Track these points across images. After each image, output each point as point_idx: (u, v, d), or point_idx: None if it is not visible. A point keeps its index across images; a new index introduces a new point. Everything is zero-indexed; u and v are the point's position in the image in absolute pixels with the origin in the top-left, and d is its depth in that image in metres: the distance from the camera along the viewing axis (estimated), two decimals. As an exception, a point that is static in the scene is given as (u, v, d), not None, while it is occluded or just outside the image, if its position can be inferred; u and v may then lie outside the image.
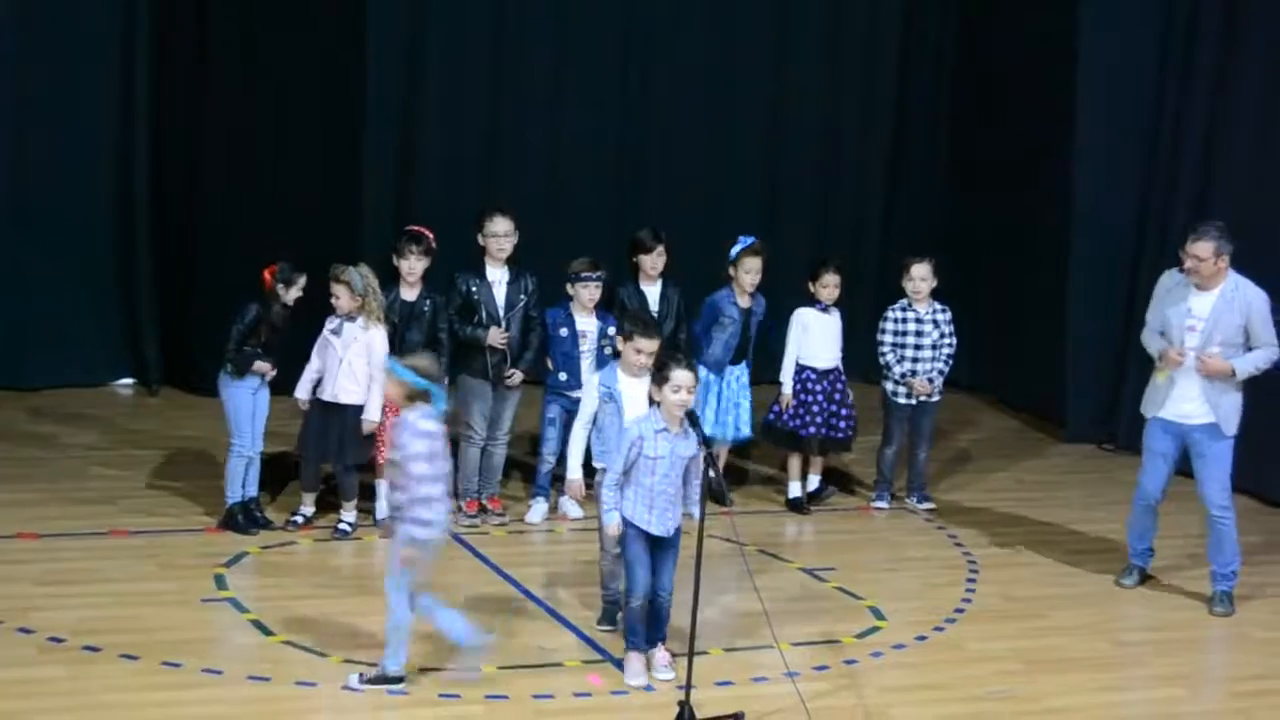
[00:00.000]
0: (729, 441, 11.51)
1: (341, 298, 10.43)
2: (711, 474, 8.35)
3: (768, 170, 15.15)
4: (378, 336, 10.44)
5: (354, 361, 10.41)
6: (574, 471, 9.50)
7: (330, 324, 10.53)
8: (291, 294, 10.50)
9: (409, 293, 10.73)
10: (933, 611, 9.89)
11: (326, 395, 10.49)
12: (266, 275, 10.44)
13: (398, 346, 10.54)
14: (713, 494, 11.17)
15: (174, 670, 8.43)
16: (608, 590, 9.24)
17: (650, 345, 9.14)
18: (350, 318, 10.45)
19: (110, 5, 13.37)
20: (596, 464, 9.32)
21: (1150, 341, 10.27)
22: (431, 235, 10.82)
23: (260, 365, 10.42)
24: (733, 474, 11.81)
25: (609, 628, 9.19)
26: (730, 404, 11.42)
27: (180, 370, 13.57)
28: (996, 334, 14.75)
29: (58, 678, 8.28)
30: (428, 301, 10.75)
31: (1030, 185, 14.41)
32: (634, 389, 9.18)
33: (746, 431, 11.60)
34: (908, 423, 11.75)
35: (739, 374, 11.47)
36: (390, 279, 10.78)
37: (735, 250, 11.35)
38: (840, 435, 11.72)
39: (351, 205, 13.49)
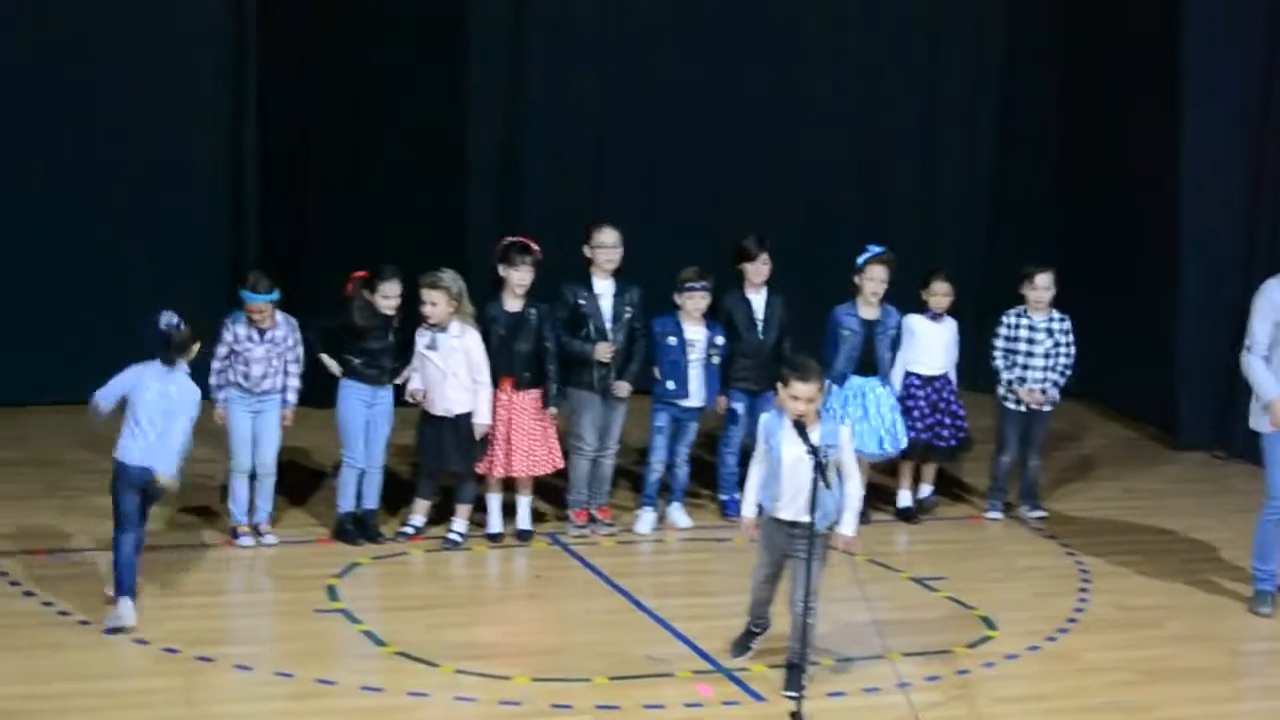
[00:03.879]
0: (871, 456, 11.23)
1: (439, 304, 10.37)
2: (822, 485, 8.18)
3: (871, 179, 15.05)
4: (473, 340, 10.44)
5: (458, 371, 10.42)
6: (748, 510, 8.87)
7: (421, 339, 10.46)
8: (383, 303, 10.43)
9: (514, 303, 10.70)
10: (1045, 621, 9.81)
11: (438, 410, 10.48)
12: (347, 285, 10.51)
13: (507, 356, 10.58)
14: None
15: (287, 680, 8.50)
16: (756, 618, 8.89)
17: (807, 390, 8.37)
18: (441, 328, 10.44)
19: (213, 20, 13.55)
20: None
21: (1257, 375, 9.86)
22: (537, 246, 10.81)
23: (328, 361, 10.44)
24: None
25: (743, 655, 8.92)
26: (866, 418, 11.18)
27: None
28: (1107, 342, 14.55)
29: (173, 688, 8.36)
30: (533, 311, 10.73)
31: (1140, 192, 14.25)
32: (792, 436, 8.39)
33: (889, 449, 11.31)
34: (1022, 429, 11.65)
35: (873, 386, 11.24)
36: (492, 289, 10.79)
37: (862, 258, 11.24)
38: (942, 444, 11.59)
39: (456, 217, 13.57)
